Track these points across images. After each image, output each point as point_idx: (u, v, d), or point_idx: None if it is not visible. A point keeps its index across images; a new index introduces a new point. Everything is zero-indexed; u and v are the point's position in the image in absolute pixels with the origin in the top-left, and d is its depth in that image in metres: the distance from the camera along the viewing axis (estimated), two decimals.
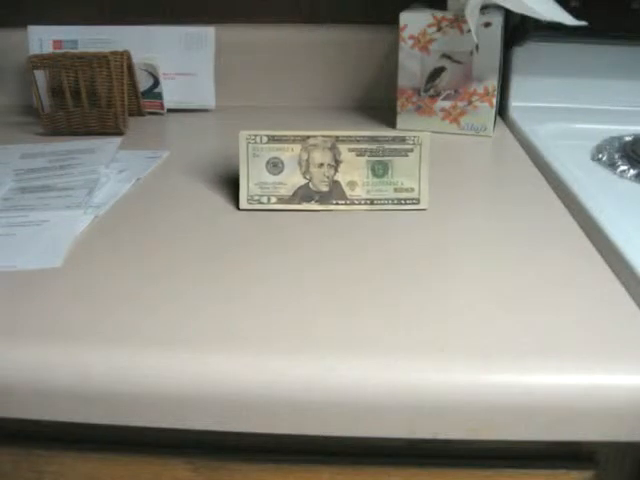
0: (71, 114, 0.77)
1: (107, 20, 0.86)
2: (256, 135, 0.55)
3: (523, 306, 0.42)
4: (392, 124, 0.78)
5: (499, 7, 0.70)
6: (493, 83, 0.73)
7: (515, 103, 0.81)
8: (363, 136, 0.56)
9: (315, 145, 0.56)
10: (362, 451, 0.42)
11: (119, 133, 0.77)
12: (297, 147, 0.56)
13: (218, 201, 0.59)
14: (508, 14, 0.72)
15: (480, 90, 0.73)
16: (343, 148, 0.56)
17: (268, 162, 0.56)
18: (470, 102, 0.74)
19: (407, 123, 0.76)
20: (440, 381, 0.36)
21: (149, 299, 0.43)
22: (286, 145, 0.56)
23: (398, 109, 0.77)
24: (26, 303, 0.43)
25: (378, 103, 0.85)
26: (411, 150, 0.56)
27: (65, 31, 0.84)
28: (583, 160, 0.67)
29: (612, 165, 0.64)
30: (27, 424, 0.40)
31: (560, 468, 0.41)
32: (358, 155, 0.56)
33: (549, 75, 0.79)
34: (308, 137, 0.56)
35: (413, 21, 0.72)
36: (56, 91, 0.78)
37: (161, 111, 0.85)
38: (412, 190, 0.56)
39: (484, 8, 0.69)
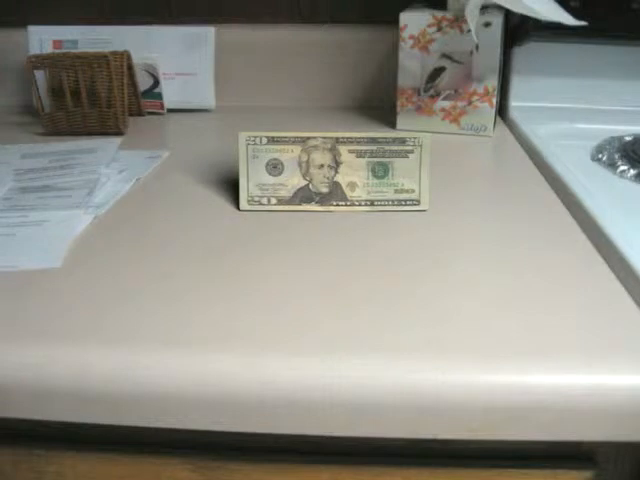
0: (71, 114, 0.77)
1: (107, 20, 0.86)
2: (256, 136, 0.55)
3: (523, 306, 0.42)
4: (392, 124, 0.78)
5: (499, 7, 0.70)
6: (493, 83, 0.73)
7: (515, 103, 0.81)
8: (363, 137, 0.56)
9: (315, 146, 0.55)
10: (362, 451, 0.42)
11: (119, 133, 0.77)
12: (297, 148, 0.56)
13: (218, 201, 0.59)
14: (508, 14, 0.72)
15: (480, 90, 0.73)
16: (343, 149, 0.56)
17: (268, 163, 0.55)
18: (470, 102, 0.74)
19: (407, 123, 0.76)
20: (440, 381, 0.36)
21: (149, 299, 0.43)
22: (286, 146, 0.55)
23: (398, 109, 0.77)
24: (26, 303, 0.43)
25: (378, 103, 0.85)
26: (411, 151, 0.56)
27: (65, 31, 0.84)
28: (583, 160, 0.67)
29: (612, 165, 0.64)
30: (27, 424, 0.40)
31: (560, 468, 0.41)
32: (358, 156, 0.56)
33: (549, 75, 0.79)
34: (308, 138, 0.55)
35: (413, 21, 0.72)
36: (56, 91, 0.78)
37: (161, 111, 0.85)
38: (412, 191, 0.56)
39: (484, 8, 0.69)
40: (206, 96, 0.86)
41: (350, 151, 0.56)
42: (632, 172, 0.63)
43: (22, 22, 0.85)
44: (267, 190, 0.56)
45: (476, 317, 0.41)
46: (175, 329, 0.40)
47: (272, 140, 0.55)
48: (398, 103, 0.76)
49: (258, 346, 0.39)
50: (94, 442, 0.42)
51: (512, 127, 0.78)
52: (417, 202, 0.56)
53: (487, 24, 0.70)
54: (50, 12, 0.87)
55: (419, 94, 0.75)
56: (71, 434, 0.42)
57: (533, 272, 0.46)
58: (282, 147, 0.55)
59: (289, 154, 0.56)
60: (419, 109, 0.76)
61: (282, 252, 0.50)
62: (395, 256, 0.49)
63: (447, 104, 0.75)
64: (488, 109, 0.74)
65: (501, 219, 0.55)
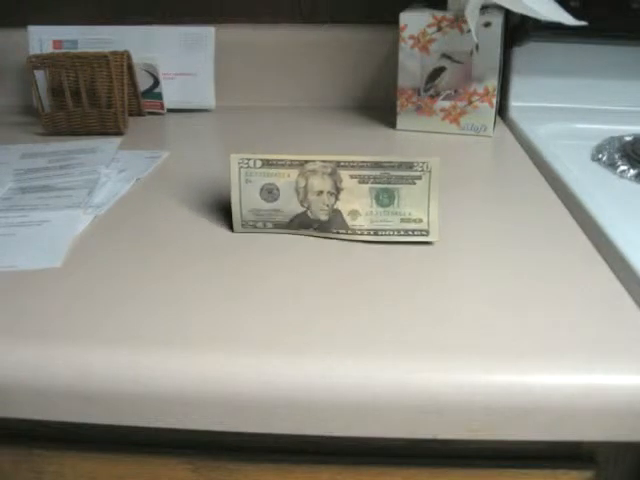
0: (71, 114, 0.77)
1: (107, 20, 0.86)
2: (249, 159, 0.50)
3: (523, 306, 0.42)
4: (392, 124, 0.78)
5: (499, 7, 0.70)
6: (493, 83, 0.73)
7: (515, 103, 0.81)
8: (367, 162, 0.50)
9: (314, 171, 0.50)
10: (362, 451, 0.42)
11: (119, 133, 0.77)
12: (294, 172, 0.51)
13: (218, 201, 0.59)
14: (508, 14, 0.72)
15: (480, 90, 0.73)
16: (344, 174, 0.50)
17: (262, 188, 0.51)
18: (470, 102, 0.74)
19: (407, 123, 0.76)
20: (440, 381, 0.36)
21: (149, 299, 0.43)
22: (282, 170, 0.51)
23: (398, 109, 0.77)
24: (26, 303, 0.43)
25: (378, 103, 0.85)
26: (419, 177, 0.50)
27: (65, 31, 0.84)
28: (583, 160, 0.67)
29: (612, 165, 0.64)
30: (27, 424, 0.40)
31: (560, 468, 0.41)
32: (361, 182, 0.50)
33: (549, 75, 0.79)
34: (306, 162, 0.50)
35: (413, 21, 0.72)
36: (56, 91, 0.78)
37: (161, 111, 0.85)
38: (420, 221, 0.51)
39: (484, 8, 0.69)
40: (206, 96, 0.86)
41: (352, 176, 0.50)
42: (632, 172, 0.63)
43: (22, 22, 0.85)
44: (262, 216, 0.52)
45: (476, 317, 0.41)
46: (175, 329, 0.40)
47: (267, 163, 0.50)
48: (398, 103, 0.76)
49: (258, 346, 0.39)
50: (94, 442, 0.42)
51: (512, 127, 0.78)
52: (425, 232, 0.51)
53: (487, 24, 0.70)
54: (50, 12, 0.87)
55: (419, 94, 0.75)
56: (71, 434, 0.42)
57: (533, 272, 0.46)
58: (278, 171, 0.51)
59: (285, 179, 0.51)
60: (419, 109, 0.76)
61: (282, 251, 0.50)
62: (395, 255, 0.49)
63: (447, 104, 0.75)
64: (488, 109, 0.74)
65: (501, 219, 0.55)
